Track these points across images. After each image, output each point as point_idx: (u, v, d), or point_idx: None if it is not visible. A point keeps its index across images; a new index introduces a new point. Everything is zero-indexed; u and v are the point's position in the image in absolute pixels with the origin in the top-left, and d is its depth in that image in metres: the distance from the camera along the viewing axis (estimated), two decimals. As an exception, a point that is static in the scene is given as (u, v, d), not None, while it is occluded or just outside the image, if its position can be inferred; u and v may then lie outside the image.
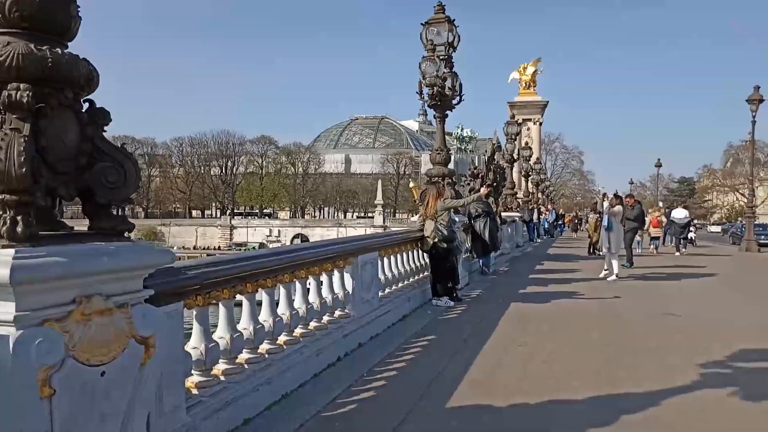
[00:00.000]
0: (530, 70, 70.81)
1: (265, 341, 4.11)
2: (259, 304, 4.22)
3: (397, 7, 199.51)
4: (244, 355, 3.87)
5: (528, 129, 71.03)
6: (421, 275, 8.31)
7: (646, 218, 24.71)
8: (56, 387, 2.04)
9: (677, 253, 20.39)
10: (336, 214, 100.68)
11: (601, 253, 12.42)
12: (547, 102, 70.45)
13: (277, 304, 4.42)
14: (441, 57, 9.38)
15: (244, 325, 3.93)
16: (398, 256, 7.48)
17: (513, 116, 23.34)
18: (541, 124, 71.25)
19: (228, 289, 3.66)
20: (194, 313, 3.44)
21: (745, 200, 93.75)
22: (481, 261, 12.00)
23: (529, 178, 29.99)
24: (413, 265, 8.05)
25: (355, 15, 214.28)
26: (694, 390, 4.49)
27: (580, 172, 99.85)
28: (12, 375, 1.92)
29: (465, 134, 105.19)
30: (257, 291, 4.02)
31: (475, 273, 11.83)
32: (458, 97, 9.98)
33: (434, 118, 9.84)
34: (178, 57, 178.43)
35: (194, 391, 3.32)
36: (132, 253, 2.45)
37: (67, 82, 2.21)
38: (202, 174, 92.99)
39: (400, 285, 7.41)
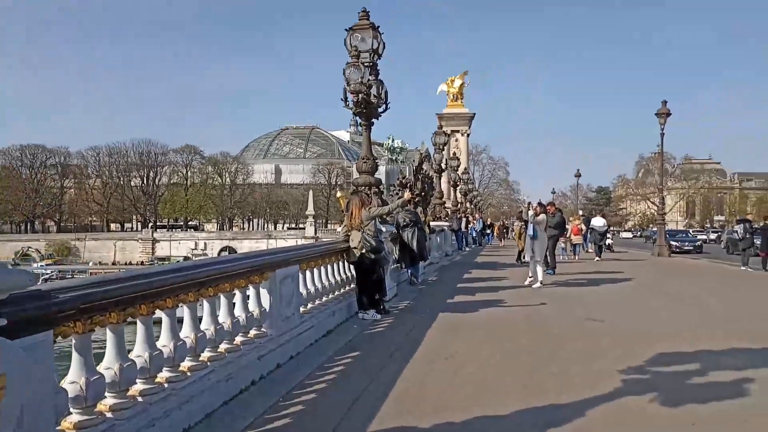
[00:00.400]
0: (458, 82, 72.64)
1: (165, 368, 3.66)
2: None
3: (319, 16, 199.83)
4: (138, 386, 3.40)
5: (456, 140, 72.91)
6: (347, 288, 8.00)
7: (567, 225, 25.90)
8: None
9: (597, 259, 21.54)
10: (266, 226, 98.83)
11: (525, 260, 12.66)
12: (474, 114, 72.41)
13: (181, 325, 3.98)
14: (365, 63, 9.18)
15: (138, 353, 3.47)
16: (322, 268, 7.13)
17: (441, 127, 23.52)
18: (468, 135, 73.15)
19: (116, 313, 3.19)
20: (73, 342, 2.96)
21: (656, 208, 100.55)
22: (409, 271, 11.87)
23: (458, 188, 30.49)
24: (339, 278, 7.72)
25: (286, 23, 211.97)
26: (618, 397, 4.45)
27: (506, 182, 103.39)
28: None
29: (396, 145, 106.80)
30: (154, 312, 3.57)
31: (403, 284, 11.67)
32: (384, 105, 9.82)
33: (360, 126, 9.62)
34: (93, 62, 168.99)
35: (71, 434, 2.84)
36: (-28, 275, 2.02)
37: None
38: (121, 185, 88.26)
39: (324, 299, 7.06)
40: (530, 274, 12.37)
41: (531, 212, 12.15)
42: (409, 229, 11.71)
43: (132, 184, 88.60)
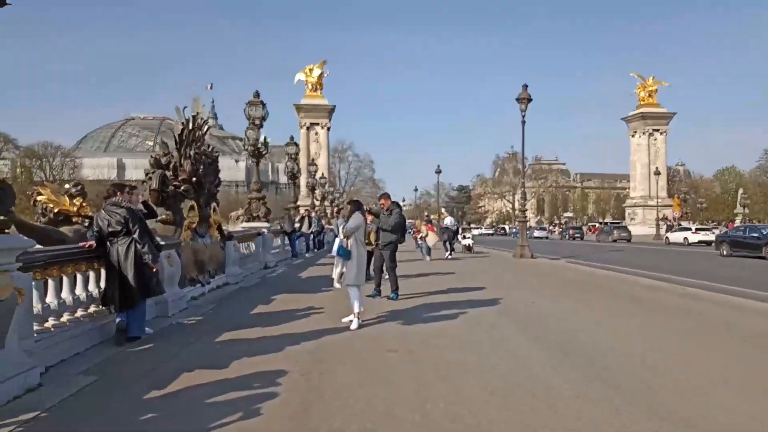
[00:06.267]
0: (316, 72, 68.05)
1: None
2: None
3: None
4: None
5: (316, 134, 68.36)
6: None
7: (422, 226, 22.25)
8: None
9: (449, 257, 21.31)
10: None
11: (338, 284, 7.91)
12: (334, 106, 68.23)
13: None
14: None
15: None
16: None
17: (257, 101, 17.91)
18: (329, 129, 68.80)
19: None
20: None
21: (511, 206, 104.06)
22: (119, 318, 6.45)
23: (300, 180, 25.41)
24: None
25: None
26: None
27: (371, 179, 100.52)
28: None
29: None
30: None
31: (107, 343, 6.29)
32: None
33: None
34: None
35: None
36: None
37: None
38: None
39: None
40: (356, 308, 7.69)
41: (339, 219, 7.53)
42: (120, 242, 6.36)
43: None
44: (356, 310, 7.59)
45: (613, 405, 4.40)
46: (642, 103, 69.03)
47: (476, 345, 6.60)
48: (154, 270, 6.58)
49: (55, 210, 7.66)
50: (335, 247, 7.81)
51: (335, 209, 20.65)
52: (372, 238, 9.71)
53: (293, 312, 8.70)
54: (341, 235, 7.66)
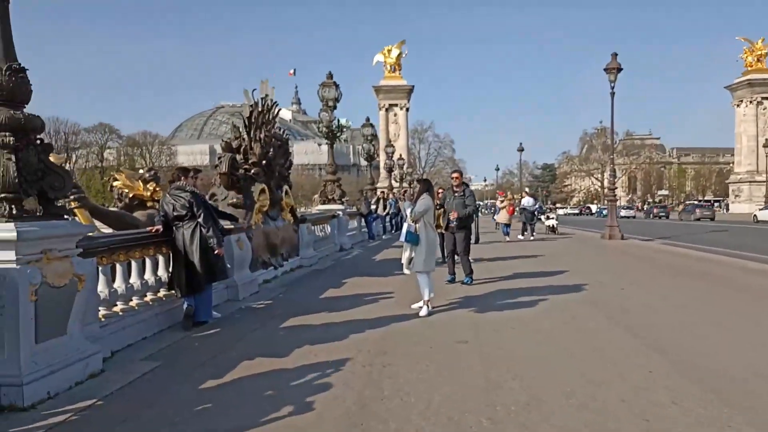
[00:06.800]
0: (395, 52, 67.32)
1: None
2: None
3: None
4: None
5: (395, 115, 67.82)
6: None
7: (506, 200, 21.51)
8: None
9: (531, 238, 20.94)
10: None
11: (407, 270, 7.48)
12: (413, 86, 67.37)
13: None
14: None
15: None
16: None
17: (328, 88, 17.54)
18: (408, 109, 68.05)
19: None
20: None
21: (599, 184, 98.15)
22: (186, 303, 6.44)
23: (376, 162, 25.21)
24: None
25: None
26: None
27: (452, 159, 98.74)
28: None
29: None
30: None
31: (175, 328, 6.31)
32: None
33: None
34: None
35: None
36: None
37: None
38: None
39: None
40: (426, 295, 7.30)
41: (405, 202, 7.30)
42: (185, 226, 6.33)
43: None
44: (426, 297, 7.21)
45: (723, 418, 3.71)
46: (749, 69, 62.59)
47: (555, 338, 6.00)
48: (219, 254, 6.52)
49: (130, 195, 7.87)
50: (403, 232, 7.45)
51: (402, 192, 20.27)
52: (441, 221, 9.25)
53: (363, 296, 8.46)
54: (409, 220, 7.27)
